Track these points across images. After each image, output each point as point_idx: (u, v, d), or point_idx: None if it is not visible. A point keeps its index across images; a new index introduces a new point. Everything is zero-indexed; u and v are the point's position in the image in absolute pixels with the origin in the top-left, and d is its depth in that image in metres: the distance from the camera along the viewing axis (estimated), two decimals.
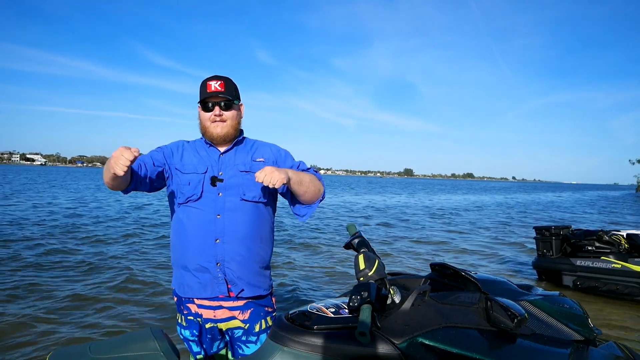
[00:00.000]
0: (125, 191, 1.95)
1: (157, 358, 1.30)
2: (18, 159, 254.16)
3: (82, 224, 11.52)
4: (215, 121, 2.01)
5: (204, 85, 2.02)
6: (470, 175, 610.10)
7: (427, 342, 1.47)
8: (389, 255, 8.63)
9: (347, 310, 1.58)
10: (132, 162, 1.66)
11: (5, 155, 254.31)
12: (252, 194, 2.00)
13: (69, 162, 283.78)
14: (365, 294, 1.41)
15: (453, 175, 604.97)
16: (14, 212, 13.76)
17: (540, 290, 1.94)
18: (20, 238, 8.95)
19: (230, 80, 2.06)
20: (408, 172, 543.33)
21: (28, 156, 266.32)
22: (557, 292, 1.97)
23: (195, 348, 2.03)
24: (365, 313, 1.35)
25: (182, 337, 2.07)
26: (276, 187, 1.78)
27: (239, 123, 2.09)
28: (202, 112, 2.04)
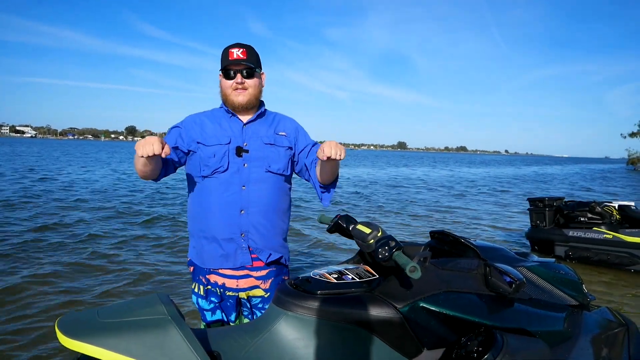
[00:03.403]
0: (156, 180, 1.97)
1: (165, 322, 1.32)
2: (7, 130, 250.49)
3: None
4: (237, 89, 1.98)
5: (225, 52, 1.99)
6: (463, 148, 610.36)
7: (428, 306, 1.51)
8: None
9: (349, 276, 1.61)
10: (156, 156, 1.68)
11: None
12: (277, 166, 2.02)
13: (60, 135, 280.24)
14: (393, 243, 1.49)
15: (446, 148, 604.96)
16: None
17: (536, 257, 1.99)
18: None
19: (253, 49, 2.03)
20: (401, 145, 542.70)
21: (18, 128, 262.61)
22: (552, 259, 2.02)
23: (211, 317, 2.05)
24: (403, 256, 1.42)
25: (197, 307, 2.09)
26: (341, 158, 1.78)
27: (260, 92, 2.08)
28: (224, 80, 2.02)
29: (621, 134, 53.83)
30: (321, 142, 2.17)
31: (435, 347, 1.54)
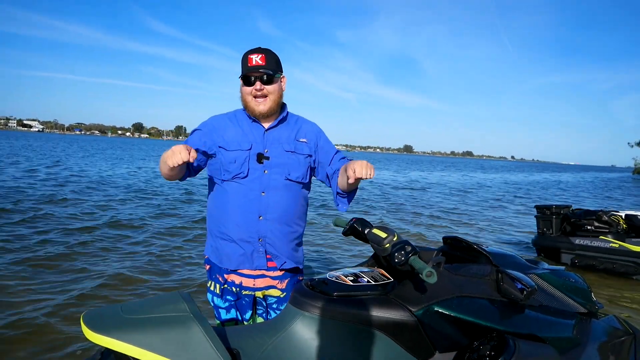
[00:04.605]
0: (181, 180, 2.03)
1: (186, 319, 1.36)
2: (15, 124, 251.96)
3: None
4: (257, 96, 2.00)
5: (245, 58, 2.00)
6: (469, 153, 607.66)
7: (441, 310, 1.54)
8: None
9: (365, 279, 1.65)
10: (185, 163, 1.74)
11: (2, 121, 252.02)
12: (296, 174, 2.04)
13: (67, 130, 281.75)
14: (409, 248, 1.52)
15: (452, 153, 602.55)
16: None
17: (546, 265, 2.02)
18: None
19: (272, 53, 2.04)
20: (408, 149, 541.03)
21: (25, 122, 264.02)
22: (562, 267, 2.05)
23: (226, 315, 2.10)
24: (419, 261, 1.45)
25: (212, 304, 2.13)
26: (370, 177, 1.81)
27: (281, 97, 2.08)
28: (244, 87, 2.03)
29: (628, 143, 53.63)
30: (349, 158, 2.18)
31: (447, 350, 1.58)
